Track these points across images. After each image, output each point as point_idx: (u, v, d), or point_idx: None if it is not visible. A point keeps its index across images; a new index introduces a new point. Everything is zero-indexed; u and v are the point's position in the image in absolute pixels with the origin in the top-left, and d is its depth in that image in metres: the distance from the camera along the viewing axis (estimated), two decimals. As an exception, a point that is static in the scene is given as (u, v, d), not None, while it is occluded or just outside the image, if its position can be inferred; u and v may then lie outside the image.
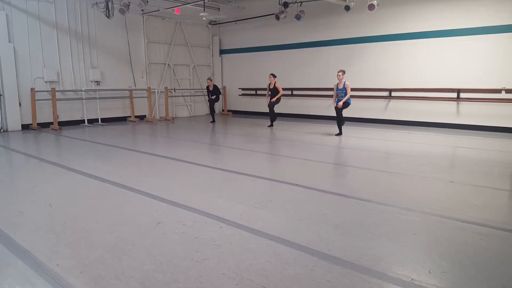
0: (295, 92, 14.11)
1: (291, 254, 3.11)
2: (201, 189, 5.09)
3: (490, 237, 3.47)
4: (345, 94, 9.42)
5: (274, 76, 11.30)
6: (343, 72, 9.47)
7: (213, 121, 13.20)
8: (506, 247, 3.31)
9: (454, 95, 10.53)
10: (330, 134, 9.85)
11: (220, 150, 8.75)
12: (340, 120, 9.70)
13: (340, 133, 9.72)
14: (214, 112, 13.43)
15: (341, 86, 9.44)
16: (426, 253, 3.18)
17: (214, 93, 12.91)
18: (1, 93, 10.64)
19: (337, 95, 9.53)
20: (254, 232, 3.54)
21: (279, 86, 11.25)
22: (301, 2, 12.04)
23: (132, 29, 13.58)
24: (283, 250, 3.18)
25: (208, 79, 13.16)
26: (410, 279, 2.71)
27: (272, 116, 11.60)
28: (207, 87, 12.99)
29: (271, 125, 11.50)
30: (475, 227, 3.68)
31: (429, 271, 2.83)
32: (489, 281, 2.73)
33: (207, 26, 16.11)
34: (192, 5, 12.75)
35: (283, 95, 11.56)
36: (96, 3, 12.10)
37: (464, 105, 9.37)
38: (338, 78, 9.47)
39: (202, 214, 4.02)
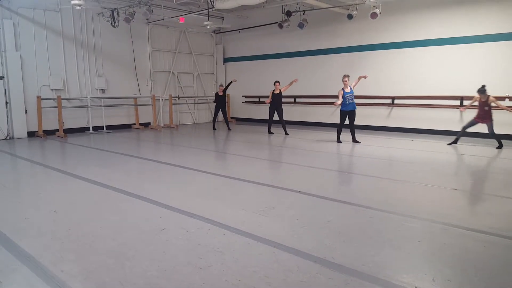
0: (298, 100, 14.16)
1: (294, 261, 3.11)
2: (205, 195, 5.11)
3: (493, 245, 3.46)
4: (353, 96, 9.55)
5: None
6: (348, 77, 9.55)
7: (214, 128, 13.27)
8: (509, 254, 3.30)
9: (458, 102, 10.53)
10: (333, 141, 9.86)
11: (224, 157, 8.78)
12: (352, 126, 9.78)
13: (339, 141, 9.82)
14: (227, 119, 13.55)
15: (348, 90, 9.50)
16: (429, 261, 3.18)
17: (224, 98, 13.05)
18: (8, 101, 10.76)
19: (343, 98, 9.55)
20: (257, 239, 3.55)
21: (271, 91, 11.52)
22: (304, 11, 12.12)
23: (137, 37, 13.72)
24: (286, 257, 3.18)
25: (220, 85, 13.21)
26: (414, 287, 2.70)
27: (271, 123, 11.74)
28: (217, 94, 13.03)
29: (286, 134, 11.49)
30: (478, 234, 3.67)
31: (432, 279, 2.82)
32: (493, 289, 2.72)
33: (211, 34, 16.25)
34: (196, 14, 12.89)
35: (285, 102, 11.73)
36: (102, 12, 12.25)
37: (467, 113, 9.37)
38: (344, 84, 9.51)
39: (205, 221, 4.03)
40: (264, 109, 14.41)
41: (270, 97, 11.46)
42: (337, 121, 10.01)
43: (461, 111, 9.12)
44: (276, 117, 11.58)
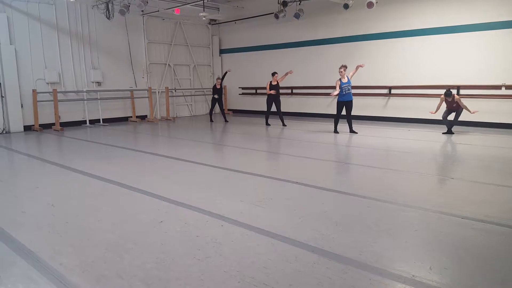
0: (294, 91, 14.13)
1: (292, 251, 3.13)
2: (202, 187, 5.11)
3: (490, 233, 3.49)
4: (350, 86, 9.54)
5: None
6: (345, 67, 9.52)
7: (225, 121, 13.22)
8: (506, 242, 3.33)
9: (454, 91, 10.49)
10: (330, 132, 9.86)
11: (221, 148, 8.77)
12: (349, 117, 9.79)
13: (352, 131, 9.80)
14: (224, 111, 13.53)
15: (345, 80, 9.48)
16: (426, 249, 3.20)
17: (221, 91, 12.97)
18: (3, 95, 10.68)
19: (340, 89, 9.52)
20: (255, 230, 3.56)
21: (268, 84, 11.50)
22: (300, 1, 12.04)
23: (133, 29, 13.60)
24: (284, 248, 3.20)
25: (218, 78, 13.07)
26: (411, 276, 2.72)
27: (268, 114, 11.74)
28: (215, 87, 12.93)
29: (284, 125, 11.49)
30: (475, 223, 3.69)
31: (429, 267, 2.84)
32: (489, 276, 2.74)
33: (207, 26, 16.13)
34: (191, 5, 12.77)
35: (282, 93, 11.82)
36: (96, 5, 12.12)
37: (464, 102, 9.40)
38: (340, 74, 9.49)
39: (203, 213, 4.04)
40: (261, 100, 14.39)
41: (268, 88, 11.42)
42: (334, 111, 10.01)
43: (431, 113, 9.57)
44: (273, 108, 11.55)
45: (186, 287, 2.63)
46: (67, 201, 4.61)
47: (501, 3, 9.66)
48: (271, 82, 11.41)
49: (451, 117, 9.32)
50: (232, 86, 16.13)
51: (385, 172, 5.84)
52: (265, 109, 11.80)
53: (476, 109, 9.16)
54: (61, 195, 4.90)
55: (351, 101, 9.61)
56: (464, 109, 9.15)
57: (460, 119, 9.33)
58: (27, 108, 11.07)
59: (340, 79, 9.50)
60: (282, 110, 11.65)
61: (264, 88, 11.79)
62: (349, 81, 9.50)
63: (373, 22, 11.80)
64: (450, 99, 9.08)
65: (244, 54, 15.68)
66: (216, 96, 12.90)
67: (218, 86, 12.80)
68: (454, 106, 9.20)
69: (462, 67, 10.39)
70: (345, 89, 9.46)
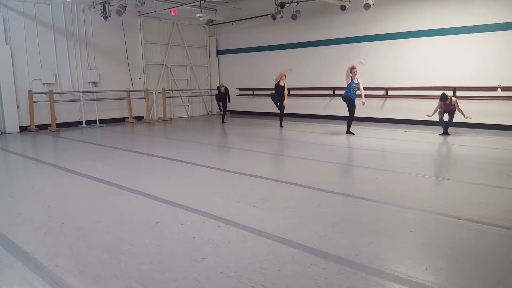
0: (292, 92, 14.11)
1: (289, 252, 3.13)
2: (199, 189, 5.11)
3: (485, 234, 3.50)
4: (357, 89, 9.57)
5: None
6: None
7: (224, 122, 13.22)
8: (502, 243, 3.35)
9: (450, 93, 10.58)
10: (327, 133, 9.88)
11: (218, 150, 8.76)
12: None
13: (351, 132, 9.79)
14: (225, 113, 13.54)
15: (356, 81, 9.52)
16: (422, 250, 3.21)
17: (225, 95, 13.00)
18: (-1, 95, 10.64)
19: (348, 87, 9.54)
20: (252, 231, 3.56)
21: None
22: (297, 2, 12.06)
23: (129, 30, 13.58)
24: (281, 249, 3.20)
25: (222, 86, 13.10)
26: (407, 276, 2.73)
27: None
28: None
29: (281, 126, 11.48)
30: (471, 224, 3.70)
31: (426, 268, 2.85)
32: (485, 277, 2.75)
33: (204, 26, 16.13)
34: (188, 6, 12.76)
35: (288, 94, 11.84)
36: (93, 5, 12.09)
37: (460, 103, 9.46)
38: (355, 74, 9.47)
39: (200, 214, 4.03)
40: (258, 101, 14.42)
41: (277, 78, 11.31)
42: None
43: (428, 116, 9.62)
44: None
45: (183, 288, 2.63)
46: (63, 202, 4.60)
47: (497, 5, 9.72)
48: (279, 82, 11.28)
49: (446, 118, 9.36)
50: (229, 87, 16.07)
51: (381, 173, 5.86)
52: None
53: (469, 115, 9.17)
54: (57, 196, 4.88)
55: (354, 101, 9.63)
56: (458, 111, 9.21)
57: (456, 120, 9.38)
58: (23, 108, 11.03)
59: (351, 76, 9.47)
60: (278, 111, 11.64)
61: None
62: (357, 84, 9.51)
63: (370, 23, 11.84)
64: (447, 102, 9.13)
65: (241, 55, 15.69)
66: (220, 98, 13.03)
67: (224, 91, 12.83)
68: (452, 108, 9.25)
69: (458, 69, 10.45)
70: (354, 88, 9.49)
